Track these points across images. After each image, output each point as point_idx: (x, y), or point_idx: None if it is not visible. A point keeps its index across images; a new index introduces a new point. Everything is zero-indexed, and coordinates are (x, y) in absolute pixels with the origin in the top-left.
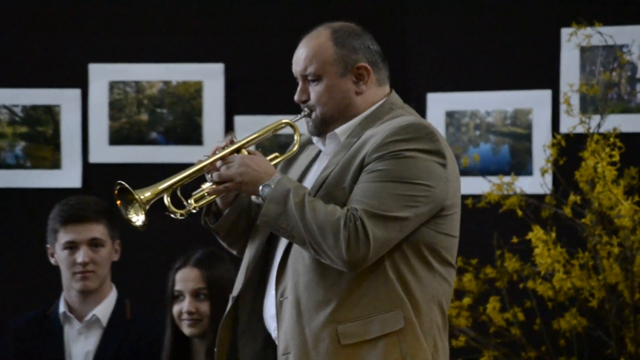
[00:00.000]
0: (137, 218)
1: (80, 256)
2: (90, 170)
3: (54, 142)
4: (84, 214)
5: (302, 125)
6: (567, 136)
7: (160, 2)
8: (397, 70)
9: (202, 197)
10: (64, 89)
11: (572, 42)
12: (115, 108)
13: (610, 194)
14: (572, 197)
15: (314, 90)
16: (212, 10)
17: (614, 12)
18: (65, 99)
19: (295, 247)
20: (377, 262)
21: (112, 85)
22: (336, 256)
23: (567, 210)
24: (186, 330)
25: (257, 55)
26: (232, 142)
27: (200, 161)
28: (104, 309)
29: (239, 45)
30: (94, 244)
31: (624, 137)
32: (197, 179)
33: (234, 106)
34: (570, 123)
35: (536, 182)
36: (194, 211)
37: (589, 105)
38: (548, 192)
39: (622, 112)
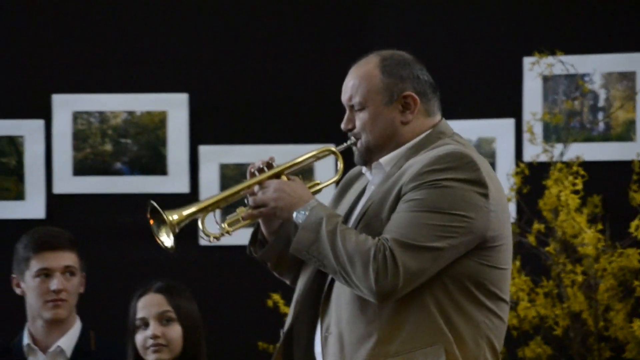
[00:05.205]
0: (167, 240)
1: (55, 284)
2: (54, 201)
3: (18, 173)
4: (58, 242)
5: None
6: (530, 165)
7: (123, 33)
8: None
9: (237, 221)
10: (27, 119)
11: (534, 71)
12: (79, 138)
13: (574, 222)
14: (536, 226)
15: (359, 119)
16: (176, 41)
17: (576, 42)
18: (29, 130)
19: None
20: (418, 296)
21: (76, 116)
22: (364, 287)
23: (531, 239)
24: (151, 356)
25: (221, 85)
26: (269, 166)
27: (237, 184)
28: (68, 340)
29: (203, 75)
30: (67, 272)
31: (587, 165)
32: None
33: (198, 136)
34: (533, 152)
35: None
36: (228, 235)
37: (551, 133)
38: (512, 220)
39: (584, 141)
